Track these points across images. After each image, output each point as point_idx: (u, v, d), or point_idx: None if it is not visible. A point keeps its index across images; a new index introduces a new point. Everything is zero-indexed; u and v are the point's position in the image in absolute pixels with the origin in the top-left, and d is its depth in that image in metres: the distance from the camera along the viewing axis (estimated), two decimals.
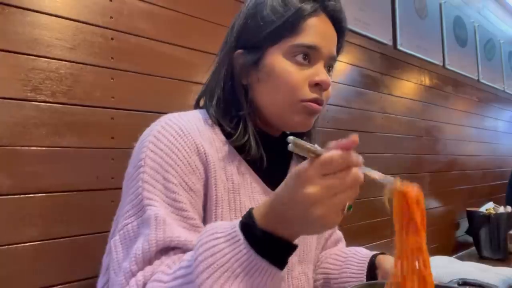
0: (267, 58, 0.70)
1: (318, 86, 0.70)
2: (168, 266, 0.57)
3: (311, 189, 0.46)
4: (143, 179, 0.63)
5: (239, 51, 0.73)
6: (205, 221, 0.67)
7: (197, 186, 0.66)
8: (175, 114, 0.72)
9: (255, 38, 0.71)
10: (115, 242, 0.63)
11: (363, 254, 0.86)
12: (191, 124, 0.70)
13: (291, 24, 0.69)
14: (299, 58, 0.69)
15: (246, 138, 0.71)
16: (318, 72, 0.70)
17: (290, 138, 0.46)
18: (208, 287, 0.48)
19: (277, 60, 0.70)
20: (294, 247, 0.51)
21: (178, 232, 0.59)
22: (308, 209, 0.46)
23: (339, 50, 0.78)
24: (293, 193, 0.47)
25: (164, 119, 0.70)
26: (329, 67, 0.74)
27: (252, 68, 0.72)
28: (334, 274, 0.88)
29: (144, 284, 0.56)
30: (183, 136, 0.67)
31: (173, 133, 0.66)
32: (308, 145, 0.47)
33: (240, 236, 0.49)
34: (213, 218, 0.67)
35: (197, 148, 0.67)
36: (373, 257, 0.83)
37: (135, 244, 0.60)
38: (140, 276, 0.57)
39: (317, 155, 0.46)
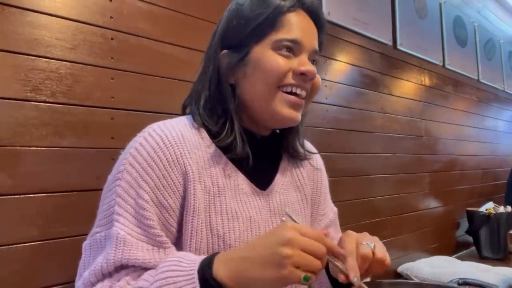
0: (253, 54, 0.72)
1: (303, 76, 0.72)
2: (127, 282, 0.63)
3: (289, 232, 0.54)
4: (118, 192, 0.66)
5: (224, 51, 0.75)
6: (182, 231, 0.69)
7: (169, 202, 0.67)
8: (160, 124, 0.72)
9: (239, 37, 0.73)
10: (85, 246, 0.69)
11: None
12: (175, 131, 0.70)
13: (272, 21, 0.71)
14: (284, 51, 0.72)
15: (232, 137, 0.72)
16: (303, 62, 0.72)
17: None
18: None
19: (264, 53, 0.72)
20: None
21: (136, 253, 0.63)
22: (277, 247, 0.54)
23: (320, 46, 0.79)
24: (269, 232, 0.58)
25: (147, 130, 0.71)
26: (313, 61, 0.76)
27: (238, 66, 0.74)
28: None
29: None
30: (164, 148, 0.68)
31: (153, 145, 0.68)
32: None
33: (196, 279, 0.56)
34: (189, 229, 0.68)
35: (177, 159, 0.68)
36: None
37: (99, 257, 0.65)
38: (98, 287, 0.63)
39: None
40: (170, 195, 0.67)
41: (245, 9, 0.73)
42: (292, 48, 0.72)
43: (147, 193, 0.65)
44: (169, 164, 0.67)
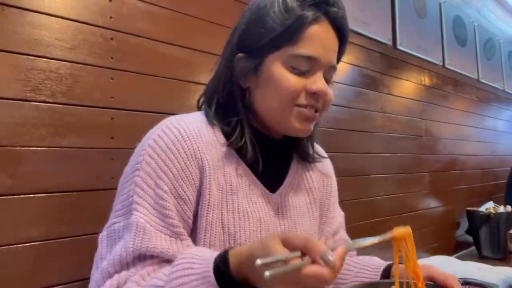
0: (266, 65, 0.71)
1: (315, 95, 0.71)
2: (142, 277, 0.62)
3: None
4: (136, 182, 0.66)
5: (240, 54, 0.73)
6: (196, 224, 0.69)
7: (188, 194, 0.67)
8: (177, 117, 0.72)
9: (256, 44, 0.71)
10: (102, 237, 0.68)
11: (376, 261, 0.86)
12: (192, 126, 0.71)
13: (292, 33, 0.69)
14: (298, 67, 0.69)
15: (242, 141, 0.72)
16: (316, 81, 0.70)
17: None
18: None
19: (276, 67, 0.70)
20: None
21: (155, 241, 0.63)
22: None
23: (340, 57, 0.77)
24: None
25: (165, 123, 0.71)
26: (328, 76, 0.74)
27: (251, 73, 0.73)
28: (346, 279, 0.86)
29: None
30: (182, 141, 0.68)
31: (172, 138, 0.68)
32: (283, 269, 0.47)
33: (212, 279, 0.54)
34: (203, 223, 0.68)
35: (194, 153, 0.68)
36: (389, 266, 0.83)
37: (116, 246, 0.64)
38: (115, 280, 0.62)
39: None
40: (188, 187, 0.67)
41: (266, 16, 0.70)
42: (307, 64, 0.69)
43: (166, 184, 0.65)
44: (187, 157, 0.67)
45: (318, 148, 0.92)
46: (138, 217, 0.63)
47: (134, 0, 1.08)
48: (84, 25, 0.98)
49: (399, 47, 2.11)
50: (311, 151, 0.85)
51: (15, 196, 0.86)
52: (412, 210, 2.15)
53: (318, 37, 0.70)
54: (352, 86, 1.83)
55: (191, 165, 0.68)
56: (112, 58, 1.02)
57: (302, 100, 0.70)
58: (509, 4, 3.35)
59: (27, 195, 0.88)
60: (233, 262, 0.56)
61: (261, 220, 0.74)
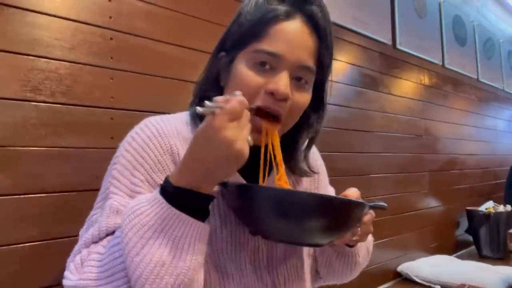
0: (235, 63, 0.69)
1: (273, 95, 0.65)
2: (107, 240, 0.63)
3: (228, 132, 0.53)
4: (113, 175, 0.67)
5: (222, 53, 0.73)
6: None
7: None
8: (157, 117, 0.73)
9: (232, 42, 0.71)
10: (81, 232, 0.69)
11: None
12: (170, 126, 0.71)
13: (256, 29, 0.66)
14: (260, 64, 0.66)
15: None
16: (277, 80, 0.65)
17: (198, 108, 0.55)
18: (134, 243, 0.55)
19: (240, 64, 0.67)
20: (211, 197, 0.59)
21: None
22: (229, 148, 0.53)
23: (322, 60, 0.70)
24: (209, 142, 0.54)
25: (143, 122, 0.73)
26: (299, 78, 0.68)
27: (226, 71, 0.71)
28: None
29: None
30: (158, 137, 0.69)
31: (148, 134, 0.69)
32: (211, 104, 0.55)
33: (159, 197, 0.56)
34: None
35: (171, 149, 0.69)
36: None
37: (89, 230, 0.65)
38: (84, 252, 0.63)
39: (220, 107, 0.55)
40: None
41: (243, 14, 0.69)
42: (271, 61, 0.65)
43: (142, 174, 0.66)
44: (163, 152, 0.68)
45: (311, 158, 0.85)
46: (112, 200, 0.65)
47: (134, 0, 1.08)
48: (83, 25, 0.98)
49: (398, 46, 2.11)
50: (302, 165, 0.80)
51: (15, 196, 0.86)
52: (412, 209, 2.15)
53: (285, 34, 0.66)
54: (352, 85, 1.83)
55: (167, 159, 0.68)
56: (111, 58, 1.02)
57: (258, 101, 0.65)
58: (508, 3, 3.35)
59: (26, 195, 0.88)
60: (175, 177, 0.57)
61: None
